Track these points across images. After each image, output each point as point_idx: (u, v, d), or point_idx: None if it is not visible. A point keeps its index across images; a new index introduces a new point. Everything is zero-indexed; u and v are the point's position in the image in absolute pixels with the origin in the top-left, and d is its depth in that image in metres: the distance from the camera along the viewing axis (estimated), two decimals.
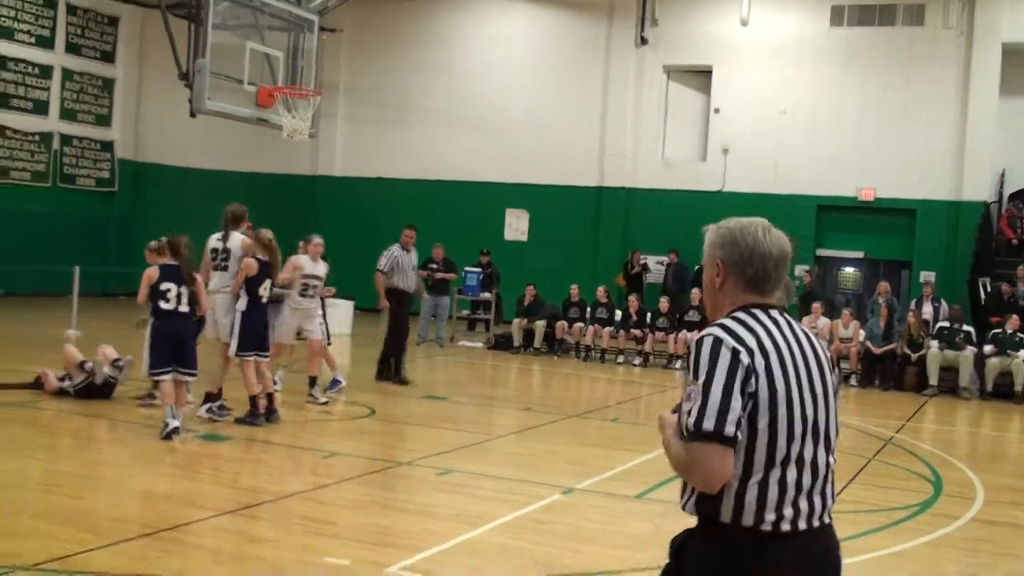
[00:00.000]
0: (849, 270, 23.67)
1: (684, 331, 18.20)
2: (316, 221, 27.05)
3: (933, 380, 16.63)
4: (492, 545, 6.73)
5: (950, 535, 7.66)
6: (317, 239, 12.10)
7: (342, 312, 18.94)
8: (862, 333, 17.60)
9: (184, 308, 9.48)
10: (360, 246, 25.18)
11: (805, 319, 17.77)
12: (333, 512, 7.25)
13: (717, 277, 3.08)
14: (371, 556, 6.28)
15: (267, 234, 10.36)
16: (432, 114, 26.23)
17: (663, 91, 24.51)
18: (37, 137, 24.71)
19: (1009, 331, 16.55)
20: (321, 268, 12.04)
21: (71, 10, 25.20)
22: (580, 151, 24.79)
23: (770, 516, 2.81)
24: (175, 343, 9.42)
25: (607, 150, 24.66)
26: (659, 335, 18.58)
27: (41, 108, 24.79)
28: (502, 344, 19.66)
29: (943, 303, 18.50)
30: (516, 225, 25.54)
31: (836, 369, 3.06)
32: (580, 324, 19.04)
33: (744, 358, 2.80)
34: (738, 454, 2.79)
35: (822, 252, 23.06)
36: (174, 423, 9.15)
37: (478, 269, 20.79)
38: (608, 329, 18.80)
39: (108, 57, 26.42)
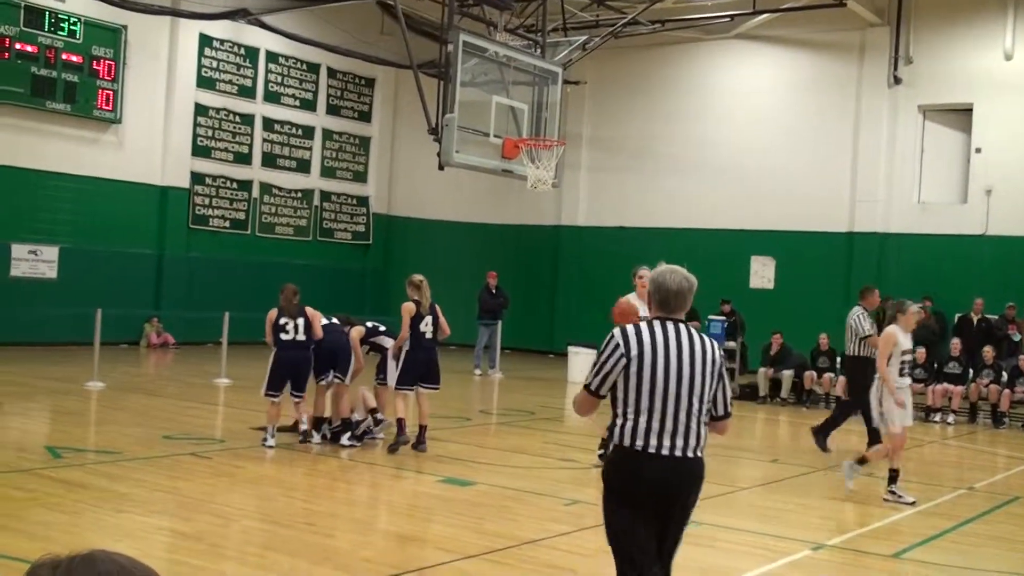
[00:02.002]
0: None
1: (945, 383, 17.15)
2: (558, 270, 27.47)
3: None
4: None
5: None
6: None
7: (584, 360, 19.00)
8: None
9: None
10: (607, 296, 25.30)
11: None
12: (573, 560, 7.18)
13: (650, 302, 4.88)
14: None
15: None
16: (675, 161, 26.09)
17: (919, 132, 23.39)
18: (300, 194, 26.26)
19: None
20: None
21: (331, 73, 26.75)
22: (830, 196, 23.96)
23: (639, 443, 4.60)
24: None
25: (859, 194, 23.73)
26: (916, 386, 17.54)
27: (304, 167, 26.37)
28: (747, 394, 19.14)
29: None
30: (762, 272, 24.93)
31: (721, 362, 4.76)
32: (830, 374, 18.27)
33: (619, 344, 4.63)
34: (623, 404, 4.63)
35: None
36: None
37: (722, 318, 20.38)
38: None
39: (365, 117, 27.84)
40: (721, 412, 4.77)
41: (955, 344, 17.99)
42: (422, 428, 11.35)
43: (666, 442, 4.57)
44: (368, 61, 24.47)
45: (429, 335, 11.34)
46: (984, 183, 22.23)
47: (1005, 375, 16.77)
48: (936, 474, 12.07)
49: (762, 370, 19.10)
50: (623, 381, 4.61)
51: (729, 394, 4.89)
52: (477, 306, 21.18)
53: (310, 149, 26.49)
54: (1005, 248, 21.76)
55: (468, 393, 18.20)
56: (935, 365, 17.73)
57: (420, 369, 11.26)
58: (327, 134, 26.87)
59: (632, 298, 9.92)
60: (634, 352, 4.59)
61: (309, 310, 11.42)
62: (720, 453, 13.13)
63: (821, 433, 13.17)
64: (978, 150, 22.44)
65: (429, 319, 11.31)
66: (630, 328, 4.67)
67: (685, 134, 26.01)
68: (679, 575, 6.90)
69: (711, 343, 4.77)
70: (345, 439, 11.17)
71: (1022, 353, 17.71)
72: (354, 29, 24.17)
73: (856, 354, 12.97)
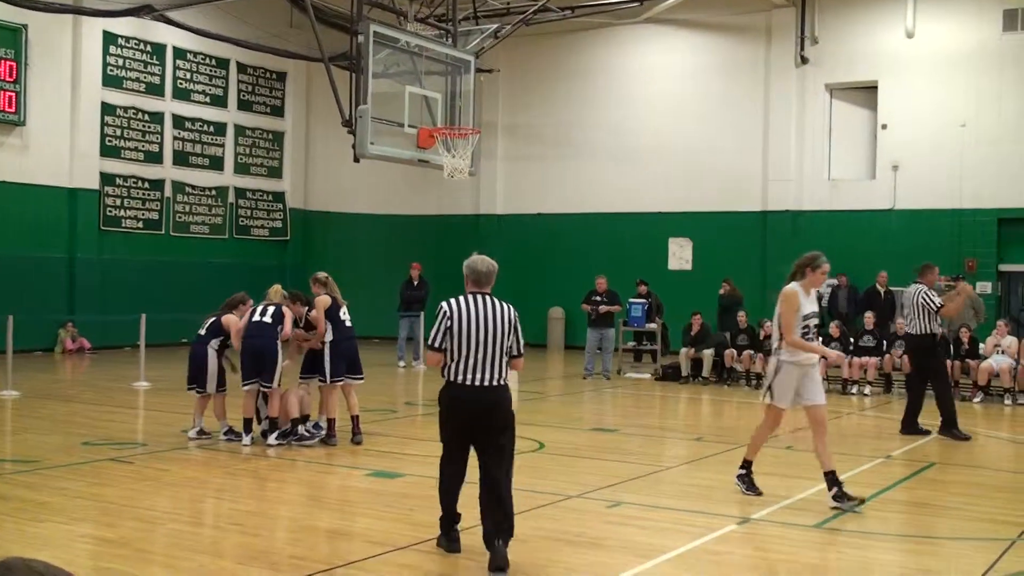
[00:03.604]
0: None
1: (860, 356, 17.56)
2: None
3: None
4: None
5: None
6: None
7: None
8: None
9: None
10: (527, 282, 25.45)
11: (993, 334, 16.99)
12: None
13: (467, 281, 6.82)
14: None
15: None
16: (590, 147, 26.26)
17: (826, 110, 23.87)
18: (214, 192, 25.88)
19: None
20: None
21: (241, 68, 26.38)
22: (743, 176, 24.36)
23: (459, 377, 6.64)
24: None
25: (770, 174, 24.15)
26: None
27: (216, 164, 25.98)
28: (670, 375, 19.37)
29: None
30: (680, 254, 25.25)
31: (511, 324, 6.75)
32: (749, 351, 18.57)
33: (446, 310, 6.66)
34: (450, 352, 6.64)
35: (1005, 267, 21.90)
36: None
37: (642, 300, 20.60)
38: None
39: (277, 111, 27.51)
40: (515, 353, 6.84)
41: (868, 317, 18.40)
42: (355, 419, 11.34)
43: (476, 376, 6.64)
44: (278, 55, 24.15)
45: (349, 323, 11.35)
46: (891, 159, 22.80)
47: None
48: (855, 444, 12.35)
49: (683, 350, 19.34)
50: (449, 337, 6.64)
51: (522, 341, 6.87)
52: (399, 298, 21.10)
53: (222, 146, 26.11)
54: (910, 221, 22.33)
55: (393, 385, 18.15)
56: (850, 339, 18.12)
57: (346, 360, 11.23)
58: (239, 130, 26.50)
59: (797, 287, 8.86)
60: (454, 316, 6.65)
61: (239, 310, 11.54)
62: (643, 433, 13.33)
63: (909, 425, 12.85)
64: (884, 126, 23.00)
65: (345, 308, 11.32)
66: (452, 301, 6.69)
67: (599, 119, 26.19)
68: (607, 555, 7.01)
69: (507, 307, 6.80)
70: (272, 438, 11.03)
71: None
72: (263, 23, 23.87)
73: (924, 332, 12.68)
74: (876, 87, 23.19)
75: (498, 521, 6.61)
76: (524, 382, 18.28)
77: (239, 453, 10.82)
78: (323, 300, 11.23)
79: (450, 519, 6.98)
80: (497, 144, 27.05)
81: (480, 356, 6.62)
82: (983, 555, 7.21)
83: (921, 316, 12.69)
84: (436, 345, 6.67)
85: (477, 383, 6.63)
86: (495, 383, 6.69)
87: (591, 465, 10.54)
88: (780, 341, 8.91)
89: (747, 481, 9.08)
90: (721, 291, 21.39)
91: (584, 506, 8.52)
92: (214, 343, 11.47)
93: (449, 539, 6.96)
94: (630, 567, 6.67)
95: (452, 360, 6.64)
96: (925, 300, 12.64)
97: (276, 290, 11.45)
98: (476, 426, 6.72)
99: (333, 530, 7.84)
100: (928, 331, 12.72)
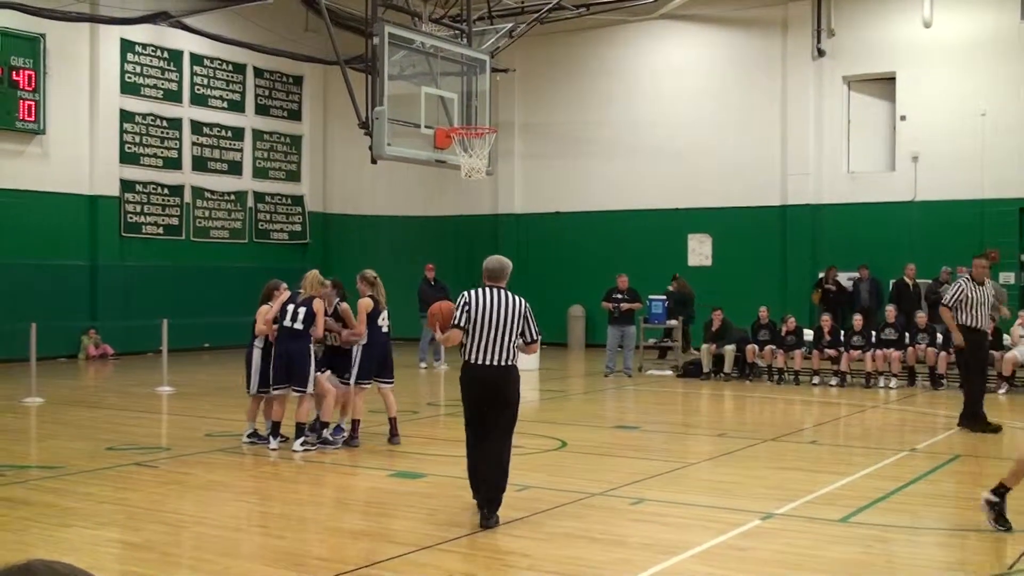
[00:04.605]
0: None
1: (883, 349, 17.47)
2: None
3: None
4: (690, 573, 6.55)
5: None
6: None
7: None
8: None
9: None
10: (546, 281, 25.45)
11: (1016, 324, 16.90)
12: (527, 545, 7.22)
13: (485, 276, 7.91)
14: None
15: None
16: (608, 145, 26.22)
17: (844, 103, 23.75)
18: (233, 196, 25.98)
19: None
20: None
21: (258, 73, 26.48)
22: (762, 171, 24.27)
23: (474, 358, 7.69)
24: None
25: (789, 168, 24.05)
26: (855, 353, 17.86)
27: (235, 169, 26.08)
28: (692, 371, 19.32)
29: None
30: (699, 250, 25.17)
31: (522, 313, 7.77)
32: (771, 347, 18.50)
33: (465, 296, 7.75)
34: (467, 334, 7.68)
35: None
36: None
37: (661, 297, 20.56)
38: (800, 351, 18.23)
39: (294, 115, 27.60)
40: (529, 339, 7.89)
41: (890, 311, 18.30)
42: (392, 421, 11.42)
43: (487, 356, 7.68)
44: (294, 59, 24.25)
45: (386, 329, 11.40)
46: (910, 150, 22.65)
47: (940, 337, 17.05)
48: (879, 438, 12.28)
49: (704, 346, 19.29)
50: (467, 321, 7.68)
51: (534, 329, 7.88)
52: (418, 300, 21.10)
53: (241, 151, 26.21)
54: (931, 212, 22.19)
55: (415, 386, 18.17)
56: (872, 332, 18.04)
57: (377, 363, 11.27)
58: (257, 134, 26.60)
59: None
60: (471, 301, 7.73)
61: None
62: (666, 430, 13.29)
63: (970, 419, 12.39)
64: (903, 118, 22.85)
65: (385, 313, 11.37)
66: (471, 290, 7.82)
67: (616, 117, 26.15)
68: (631, 552, 6.99)
69: (518, 299, 7.85)
70: (298, 444, 10.96)
71: None
72: (278, 27, 23.94)
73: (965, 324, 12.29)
74: (894, 78, 23.05)
75: (493, 488, 7.67)
76: (545, 380, 18.31)
77: (265, 456, 10.85)
78: (366, 303, 11.22)
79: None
80: (515, 143, 27.06)
81: (490, 339, 7.67)
82: (1011, 547, 7.15)
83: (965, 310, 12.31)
84: (458, 324, 7.74)
85: (488, 363, 7.67)
86: (504, 363, 7.72)
87: (614, 463, 10.53)
88: None
89: (997, 510, 7.55)
90: (671, 287, 21.53)
91: (607, 504, 8.50)
92: (257, 342, 11.46)
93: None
94: (654, 564, 6.65)
95: (469, 341, 7.70)
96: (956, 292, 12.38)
97: (313, 276, 11.23)
98: (485, 400, 7.73)
99: (357, 531, 7.85)
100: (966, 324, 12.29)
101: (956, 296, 12.29)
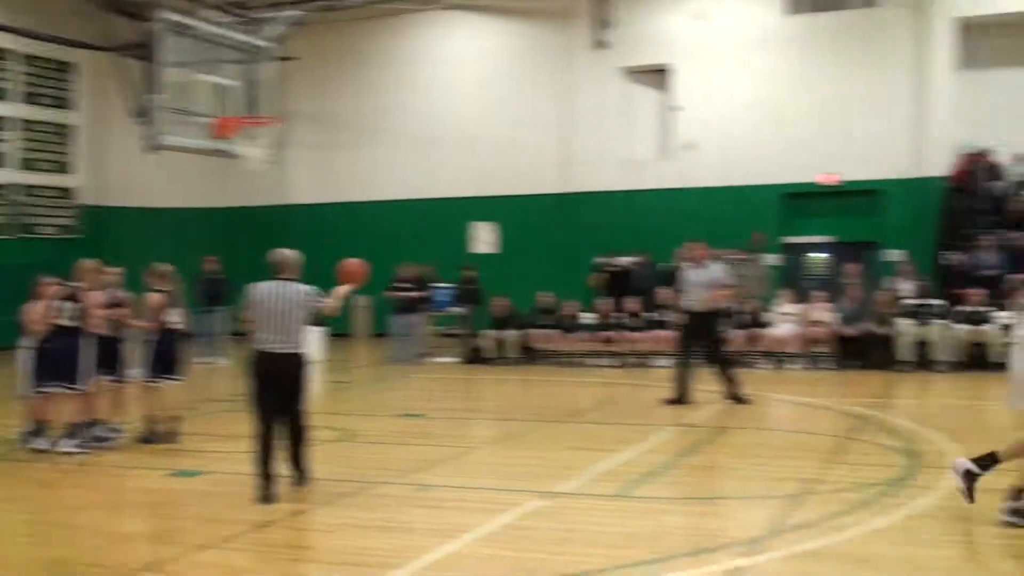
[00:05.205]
0: (817, 255, 23.58)
1: (658, 330, 18.23)
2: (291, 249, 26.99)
3: (905, 356, 16.93)
4: (475, 556, 6.71)
5: (930, 505, 7.68)
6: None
7: (313, 338, 18.87)
8: (835, 316, 17.80)
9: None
10: (334, 271, 25.18)
11: (778, 302, 18.00)
12: (312, 537, 7.22)
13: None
14: None
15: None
16: (397, 134, 26.21)
17: (624, 93, 24.57)
18: None
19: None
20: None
21: (25, 60, 25.02)
22: (545, 159, 24.82)
23: (261, 345, 8.25)
24: None
25: (571, 156, 24.70)
26: (632, 335, 18.60)
27: None
28: (476, 358, 19.63)
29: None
30: (483, 238, 25.53)
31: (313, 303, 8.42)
32: (553, 331, 19.05)
33: (252, 292, 8.33)
34: (256, 323, 8.26)
35: (789, 239, 23.09)
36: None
37: (446, 285, 20.81)
38: (580, 334, 18.86)
39: (67, 104, 26.24)
40: (320, 305, 8.47)
41: (661, 293, 19.04)
42: (171, 419, 11.09)
43: (272, 343, 8.22)
44: (66, 45, 23.02)
45: (178, 324, 11.22)
46: (683, 139, 23.68)
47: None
48: (654, 415, 12.84)
49: (489, 333, 19.64)
50: (253, 311, 8.28)
51: (322, 299, 8.47)
52: (202, 295, 20.51)
53: (4, 141, 24.74)
54: (702, 198, 23.29)
55: (192, 382, 17.68)
56: (649, 314, 18.81)
57: (165, 360, 11.07)
58: (24, 124, 25.15)
59: None
60: (256, 295, 8.31)
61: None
62: (450, 416, 13.48)
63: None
64: (676, 108, 23.85)
65: (178, 309, 11.21)
66: (257, 284, 8.33)
67: (403, 106, 26.18)
68: (417, 538, 7.10)
69: (299, 288, 8.40)
70: (71, 445, 10.51)
71: None
72: (49, 11, 22.68)
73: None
74: (670, 70, 24.01)
75: (296, 444, 8.49)
76: (330, 372, 18.19)
77: (36, 460, 10.32)
78: (157, 301, 11.04)
79: (268, 476, 8.17)
80: (301, 133, 26.62)
81: (275, 327, 8.22)
82: (766, 511, 7.67)
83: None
84: (246, 316, 8.40)
85: (273, 349, 8.23)
86: (290, 349, 8.30)
87: (399, 451, 10.61)
88: None
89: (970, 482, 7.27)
90: (463, 274, 21.68)
91: (393, 492, 8.56)
92: (27, 341, 10.88)
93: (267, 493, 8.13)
94: (439, 548, 6.77)
95: (256, 330, 8.28)
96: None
97: (88, 265, 11.09)
98: (279, 380, 8.26)
99: (134, 534, 7.65)
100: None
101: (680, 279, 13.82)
